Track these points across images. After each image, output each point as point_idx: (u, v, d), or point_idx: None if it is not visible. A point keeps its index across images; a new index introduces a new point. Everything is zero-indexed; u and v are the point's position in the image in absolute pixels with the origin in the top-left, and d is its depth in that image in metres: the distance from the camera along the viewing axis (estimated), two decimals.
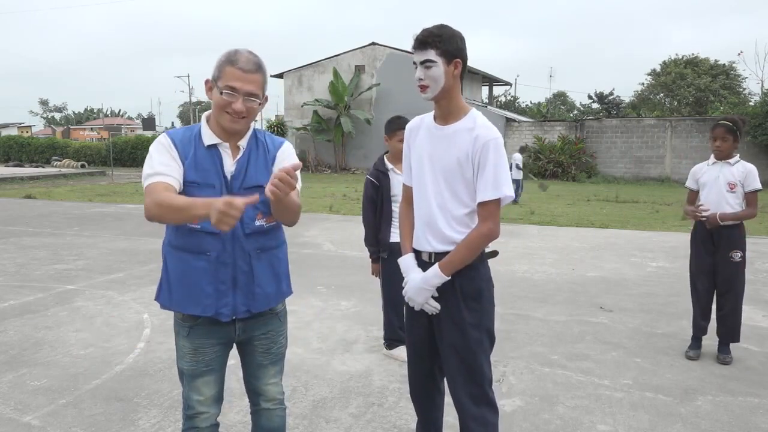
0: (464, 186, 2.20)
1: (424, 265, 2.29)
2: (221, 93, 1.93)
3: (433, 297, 2.24)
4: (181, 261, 2.02)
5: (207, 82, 2.01)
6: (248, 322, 2.11)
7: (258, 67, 1.96)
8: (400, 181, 3.09)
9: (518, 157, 15.57)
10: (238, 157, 2.04)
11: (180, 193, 1.96)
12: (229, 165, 2.02)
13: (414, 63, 2.20)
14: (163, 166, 1.94)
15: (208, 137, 2.01)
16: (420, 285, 2.23)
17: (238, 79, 1.92)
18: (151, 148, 2.00)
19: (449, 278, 2.20)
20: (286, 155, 2.11)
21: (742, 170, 4.00)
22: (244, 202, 1.69)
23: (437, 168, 2.24)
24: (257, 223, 2.05)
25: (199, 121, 2.12)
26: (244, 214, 1.94)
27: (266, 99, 2.05)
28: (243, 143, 2.05)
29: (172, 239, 2.05)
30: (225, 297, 2.03)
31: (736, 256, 4.03)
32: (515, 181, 15.38)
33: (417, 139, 2.34)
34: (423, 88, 2.19)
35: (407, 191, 2.45)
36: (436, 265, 2.22)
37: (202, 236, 1.99)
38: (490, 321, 2.30)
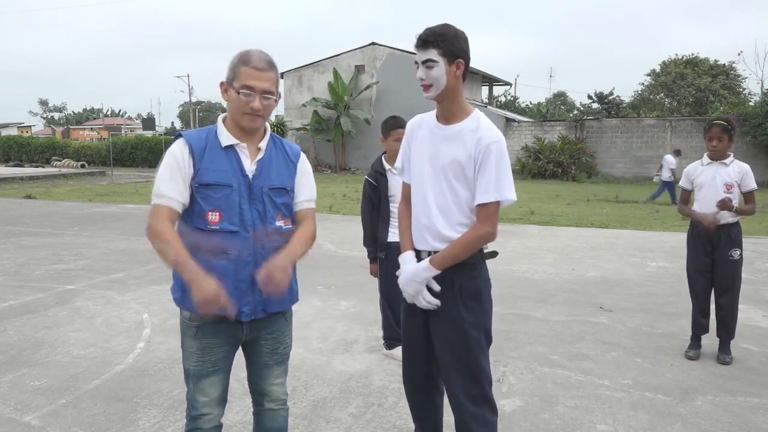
0: (465, 186, 2.20)
1: None
2: (238, 93, 1.98)
3: (433, 293, 2.23)
4: (201, 262, 2.01)
5: (222, 84, 2.05)
6: (255, 323, 2.12)
7: (271, 65, 2.03)
8: (397, 182, 3.07)
9: (671, 160, 15.55)
10: (259, 157, 2.09)
11: (194, 196, 2.01)
12: (249, 165, 2.06)
13: (416, 62, 2.19)
14: (169, 188, 1.99)
15: (226, 138, 2.05)
16: (410, 276, 2.24)
17: (253, 78, 1.98)
18: (164, 159, 2.04)
19: (439, 272, 2.19)
20: (305, 169, 2.22)
21: (738, 171, 4.00)
22: (226, 301, 1.91)
23: (438, 168, 2.23)
24: (278, 223, 2.09)
25: (201, 124, 2.13)
26: (267, 213, 2.07)
27: (279, 96, 2.10)
28: (263, 144, 2.10)
29: (191, 241, 2.04)
30: (245, 296, 2.05)
31: (735, 254, 4.04)
32: (667, 184, 15.31)
33: (417, 138, 2.33)
34: (425, 87, 2.18)
35: (407, 189, 2.43)
36: (427, 258, 2.22)
37: (220, 236, 2.01)
38: (488, 321, 2.30)
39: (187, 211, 2.05)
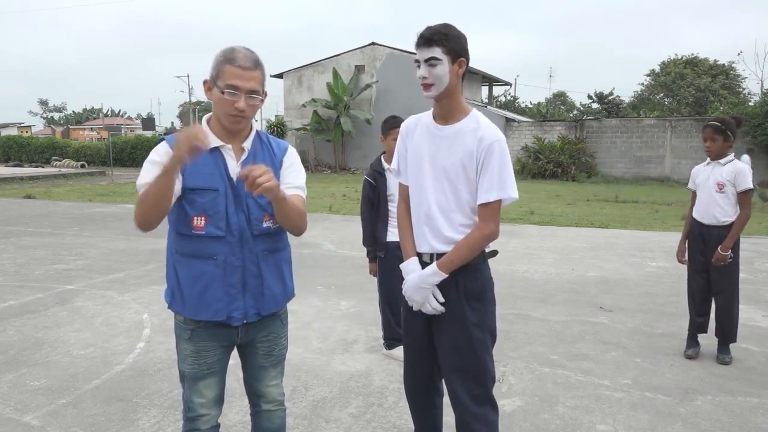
0: (467, 187, 2.19)
1: (424, 266, 2.27)
2: (222, 93, 1.91)
3: (436, 298, 2.23)
4: (189, 267, 2.00)
5: (205, 82, 1.98)
6: (251, 325, 2.10)
7: (257, 64, 1.94)
8: (396, 181, 3.07)
9: (747, 159, 15.37)
10: (243, 158, 2.01)
11: (180, 200, 1.96)
12: (234, 167, 1.99)
13: (416, 61, 2.16)
14: (153, 176, 1.88)
15: (211, 140, 1.98)
16: (418, 283, 2.21)
17: (238, 77, 1.89)
18: (147, 159, 1.98)
19: (447, 276, 2.18)
20: (292, 161, 2.12)
21: (732, 170, 3.96)
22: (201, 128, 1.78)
23: (439, 169, 2.21)
24: (264, 224, 2.04)
25: (199, 122, 2.10)
26: (252, 215, 2.00)
27: (266, 95, 2.02)
28: (247, 144, 2.04)
29: (179, 247, 2.02)
30: (236, 301, 2.02)
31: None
32: None
33: (414, 138, 2.31)
34: (427, 86, 2.15)
35: (404, 190, 2.40)
36: (434, 263, 2.21)
37: (207, 241, 1.97)
38: (492, 320, 2.29)
39: (171, 216, 2.00)
